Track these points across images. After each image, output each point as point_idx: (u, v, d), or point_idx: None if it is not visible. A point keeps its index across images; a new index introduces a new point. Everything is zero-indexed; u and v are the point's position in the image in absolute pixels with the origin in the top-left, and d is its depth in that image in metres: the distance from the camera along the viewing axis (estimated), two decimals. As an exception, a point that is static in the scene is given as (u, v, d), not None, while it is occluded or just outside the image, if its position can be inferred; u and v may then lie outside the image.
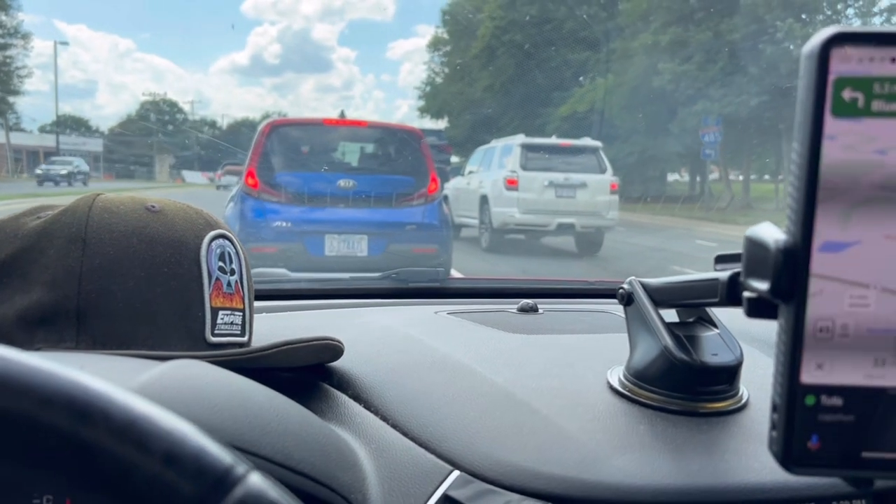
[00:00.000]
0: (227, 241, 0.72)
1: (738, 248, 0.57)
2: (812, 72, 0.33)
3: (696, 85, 14.98)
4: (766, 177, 19.38)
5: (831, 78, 0.33)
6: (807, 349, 0.34)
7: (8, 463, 0.28)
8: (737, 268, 0.53)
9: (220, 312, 0.69)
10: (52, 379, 0.27)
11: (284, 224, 5.21)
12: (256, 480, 0.28)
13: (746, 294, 0.38)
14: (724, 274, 0.52)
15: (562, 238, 9.24)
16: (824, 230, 0.33)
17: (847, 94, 0.33)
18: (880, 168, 0.33)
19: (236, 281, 0.72)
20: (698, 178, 19.10)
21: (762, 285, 0.35)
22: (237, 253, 0.73)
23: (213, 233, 0.71)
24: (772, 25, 13.98)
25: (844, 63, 0.33)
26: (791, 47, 14.07)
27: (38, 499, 0.42)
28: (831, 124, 0.33)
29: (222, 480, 0.27)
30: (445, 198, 6.37)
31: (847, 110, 0.33)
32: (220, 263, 0.70)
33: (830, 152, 0.33)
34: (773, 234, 0.35)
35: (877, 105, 0.33)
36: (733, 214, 13.99)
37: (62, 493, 0.54)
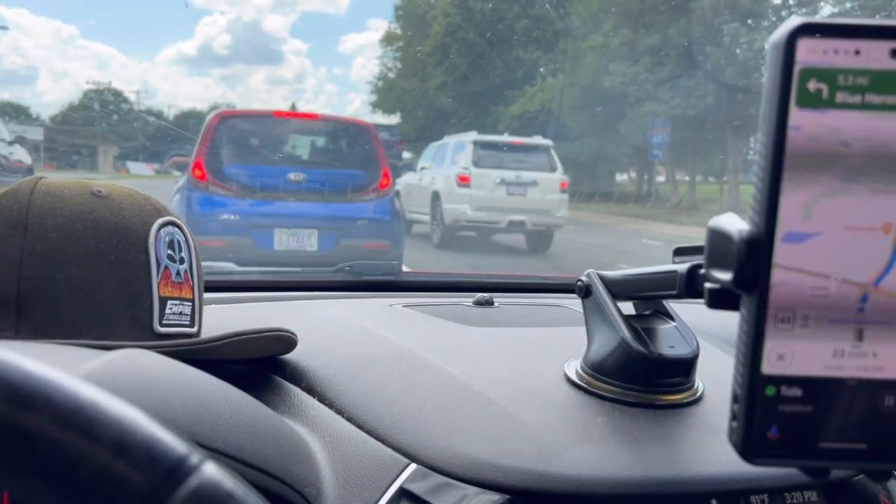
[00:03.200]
0: (176, 229, 0.70)
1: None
2: (778, 62, 0.33)
3: (644, 86, 15.24)
4: (712, 178, 19.81)
5: (797, 69, 0.33)
6: (768, 340, 0.34)
7: None
8: (695, 260, 0.53)
9: (169, 302, 0.67)
10: None
11: (232, 217, 5.13)
12: (211, 470, 0.27)
13: (708, 285, 0.37)
14: (682, 266, 0.52)
15: (513, 235, 9.30)
16: (787, 221, 0.33)
17: (812, 86, 0.33)
18: (843, 159, 0.33)
19: (185, 270, 0.70)
20: (646, 178, 19.43)
21: (725, 276, 0.35)
22: (187, 241, 0.71)
23: (161, 220, 0.68)
24: (718, 30, 14.29)
25: (810, 54, 0.33)
26: (737, 52, 14.42)
27: None
28: (796, 115, 0.33)
29: (175, 471, 0.26)
30: (397, 193, 6.35)
31: (812, 101, 0.33)
32: (169, 251, 0.68)
33: (795, 143, 0.33)
34: (736, 224, 0.35)
35: (840, 97, 0.33)
36: (679, 215, 14.27)
37: None
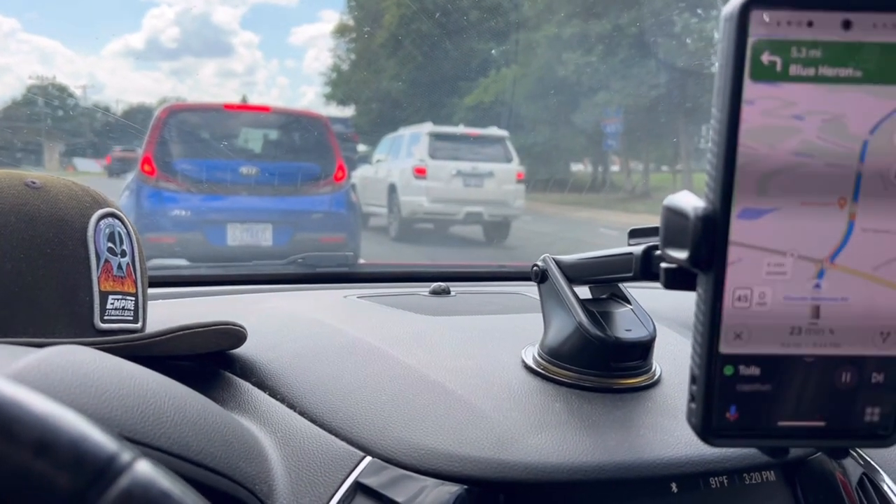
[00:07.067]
0: (116, 221, 0.67)
1: None
2: (731, 35, 0.32)
3: (597, 76, 15.36)
4: (664, 167, 20.08)
5: (750, 41, 0.32)
6: (725, 319, 0.34)
7: None
8: (650, 241, 0.52)
9: (110, 297, 0.64)
10: None
11: (183, 213, 5.03)
12: (144, 469, 0.25)
13: (664, 265, 0.37)
14: (638, 248, 0.52)
15: (470, 227, 9.31)
16: (743, 197, 0.33)
17: (765, 58, 0.32)
18: (797, 133, 0.33)
19: (128, 263, 0.67)
20: (600, 168, 19.61)
21: (681, 255, 0.34)
22: (128, 233, 0.68)
23: (100, 211, 0.66)
24: (669, 20, 14.48)
25: (763, 26, 0.32)
26: (688, 41, 14.62)
27: None
28: (750, 88, 0.32)
29: (104, 470, 0.24)
30: (353, 186, 6.29)
31: (765, 74, 0.32)
32: (110, 244, 0.65)
33: (749, 117, 0.32)
34: (692, 202, 0.34)
35: (794, 69, 0.32)
36: (633, 203, 14.44)
37: None
